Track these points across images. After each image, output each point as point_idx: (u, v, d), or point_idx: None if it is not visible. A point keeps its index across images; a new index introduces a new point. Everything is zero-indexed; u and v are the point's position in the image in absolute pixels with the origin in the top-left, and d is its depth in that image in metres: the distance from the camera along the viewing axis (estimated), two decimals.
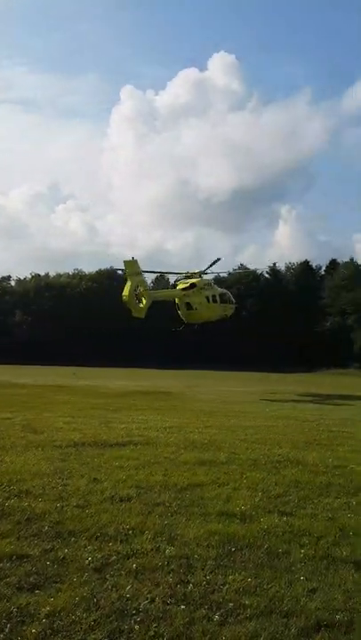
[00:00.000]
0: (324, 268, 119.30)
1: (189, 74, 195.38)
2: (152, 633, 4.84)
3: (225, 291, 44.19)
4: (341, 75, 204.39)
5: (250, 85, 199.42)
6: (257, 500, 8.95)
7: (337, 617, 5.24)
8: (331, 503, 8.93)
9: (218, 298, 41.29)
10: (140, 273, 35.76)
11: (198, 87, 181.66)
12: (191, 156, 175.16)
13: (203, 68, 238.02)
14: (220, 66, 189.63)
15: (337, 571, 6.29)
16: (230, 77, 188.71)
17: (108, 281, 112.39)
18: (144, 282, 36.86)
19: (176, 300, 39.59)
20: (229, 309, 43.55)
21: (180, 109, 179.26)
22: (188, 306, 39.25)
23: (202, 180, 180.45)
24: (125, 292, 34.27)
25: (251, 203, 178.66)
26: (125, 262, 35.49)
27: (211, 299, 40.43)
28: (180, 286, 40.46)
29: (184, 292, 39.30)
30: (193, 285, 39.55)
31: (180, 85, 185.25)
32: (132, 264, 35.36)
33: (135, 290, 34.31)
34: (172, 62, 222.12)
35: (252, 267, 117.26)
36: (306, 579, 6.03)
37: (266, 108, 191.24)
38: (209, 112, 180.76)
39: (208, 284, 41.44)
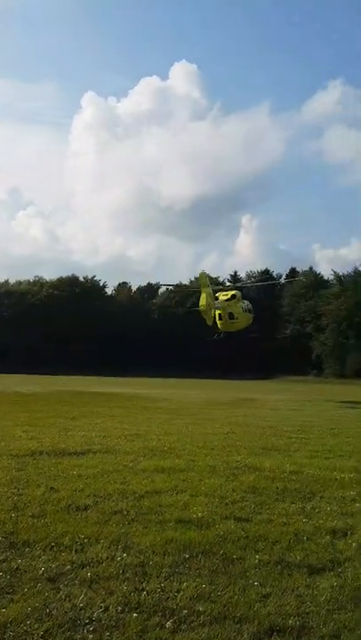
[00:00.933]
0: (284, 277, 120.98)
1: (151, 82, 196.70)
2: None
3: (248, 302, 47.18)
4: (300, 87, 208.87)
5: (211, 95, 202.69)
6: (214, 506, 9.00)
7: (289, 622, 5.28)
8: (286, 508, 9.03)
9: (246, 308, 45.16)
10: (209, 285, 39.94)
11: (160, 95, 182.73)
12: (153, 163, 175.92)
13: (164, 76, 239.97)
14: (182, 75, 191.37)
15: (291, 575, 6.36)
16: (192, 86, 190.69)
17: (70, 288, 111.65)
18: (212, 293, 40.13)
19: (219, 311, 42.08)
20: (251, 318, 46.61)
21: (141, 117, 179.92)
22: (231, 315, 42.82)
23: (164, 187, 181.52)
24: (203, 302, 38.09)
25: (212, 211, 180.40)
26: (201, 274, 40.95)
27: (244, 309, 44.49)
28: (223, 297, 43.87)
29: (228, 303, 43.14)
30: (233, 297, 43.94)
31: (142, 93, 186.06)
32: (204, 276, 40.42)
33: (209, 301, 38.19)
34: (133, 70, 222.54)
35: (213, 275, 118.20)
36: (260, 584, 6.08)
37: (226, 118, 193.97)
38: (170, 121, 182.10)
39: (241, 295, 45.47)
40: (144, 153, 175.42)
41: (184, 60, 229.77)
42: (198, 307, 39.00)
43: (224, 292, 45.14)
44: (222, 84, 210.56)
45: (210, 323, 39.27)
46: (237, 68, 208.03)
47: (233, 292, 44.58)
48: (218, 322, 42.65)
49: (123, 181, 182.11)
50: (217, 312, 41.51)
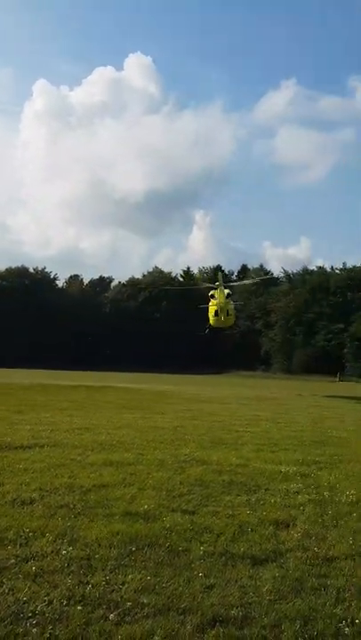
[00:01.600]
0: (235, 273, 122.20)
1: (105, 72, 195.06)
2: (47, 635, 4.79)
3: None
4: (254, 86, 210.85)
5: (165, 89, 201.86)
6: (161, 499, 9.05)
7: (232, 612, 5.37)
8: (232, 500, 9.17)
9: (234, 306, 50.43)
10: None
11: (114, 87, 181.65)
12: (107, 155, 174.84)
13: (119, 67, 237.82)
14: (137, 67, 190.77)
15: (234, 567, 6.47)
16: (147, 79, 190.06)
17: (19, 279, 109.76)
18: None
19: (217, 307, 46.59)
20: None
21: (95, 108, 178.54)
22: (227, 312, 46.81)
23: (117, 180, 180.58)
24: (222, 299, 44.08)
25: (165, 206, 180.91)
26: (217, 274, 47.79)
27: (233, 306, 49.44)
28: (222, 295, 46.63)
29: (227, 301, 46.78)
30: (229, 295, 47.57)
31: (96, 83, 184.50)
32: (221, 276, 46.29)
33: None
34: (87, 59, 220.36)
35: (166, 270, 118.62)
36: (204, 575, 6.16)
37: (181, 113, 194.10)
38: (125, 113, 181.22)
39: None
40: (98, 144, 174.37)
41: (139, 52, 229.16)
42: (209, 304, 46.57)
43: (222, 291, 46.67)
44: (177, 78, 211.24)
45: (220, 319, 45.72)
46: (192, 64, 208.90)
47: (228, 291, 47.18)
48: (213, 318, 47.12)
49: (75, 172, 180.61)
50: (214, 308, 46.54)
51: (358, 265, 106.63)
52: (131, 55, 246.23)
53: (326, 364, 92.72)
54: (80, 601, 5.43)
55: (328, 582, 6.13)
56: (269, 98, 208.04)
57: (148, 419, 20.31)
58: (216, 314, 46.22)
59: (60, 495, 9.07)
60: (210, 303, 47.54)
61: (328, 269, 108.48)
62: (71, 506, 8.48)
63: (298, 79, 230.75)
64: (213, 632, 5.01)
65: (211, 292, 47.58)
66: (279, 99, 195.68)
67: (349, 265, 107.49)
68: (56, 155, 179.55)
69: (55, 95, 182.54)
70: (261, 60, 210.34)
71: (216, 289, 46.35)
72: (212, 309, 46.57)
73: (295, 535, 7.58)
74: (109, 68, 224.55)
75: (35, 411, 21.51)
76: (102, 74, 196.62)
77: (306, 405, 31.68)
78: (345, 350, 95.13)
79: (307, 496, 9.68)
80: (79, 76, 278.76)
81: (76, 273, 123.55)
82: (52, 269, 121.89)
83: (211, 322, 47.63)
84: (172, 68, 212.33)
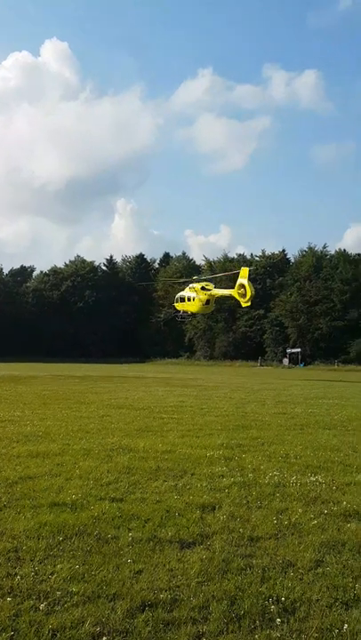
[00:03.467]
0: (158, 261, 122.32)
1: (21, 57, 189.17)
2: None
3: None
4: (172, 74, 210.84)
5: (83, 76, 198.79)
6: (89, 488, 9.07)
7: (161, 596, 5.47)
8: (159, 486, 9.31)
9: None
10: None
11: (31, 72, 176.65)
12: (24, 142, 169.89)
13: (35, 53, 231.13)
14: (53, 53, 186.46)
15: (162, 551, 6.59)
16: (63, 66, 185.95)
17: None
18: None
19: (207, 296, 56.81)
20: None
21: (11, 93, 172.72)
22: (209, 302, 57.13)
23: (36, 167, 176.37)
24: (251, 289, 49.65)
25: (86, 194, 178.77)
26: (244, 269, 50.95)
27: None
28: (210, 287, 58.26)
29: (216, 291, 57.52)
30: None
31: (11, 68, 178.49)
32: (247, 271, 51.29)
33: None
34: (2, 43, 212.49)
35: (89, 258, 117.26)
36: (133, 561, 6.25)
37: (99, 100, 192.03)
38: (42, 99, 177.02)
39: None
40: (14, 130, 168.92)
41: (55, 38, 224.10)
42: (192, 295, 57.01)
43: (206, 282, 59.59)
44: (95, 65, 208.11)
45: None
46: (109, 51, 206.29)
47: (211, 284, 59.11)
48: (199, 305, 57.25)
49: None
50: (205, 297, 56.37)
51: (277, 252, 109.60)
52: (47, 41, 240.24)
53: (248, 350, 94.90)
54: (9, 592, 5.39)
55: (253, 562, 6.34)
56: (187, 86, 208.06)
57: (73, 409, 20.15)
58: (207, 302, 56.91)
59: None
60: (195, 293, 57.36)
61: (248, 257, 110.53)
62: None
63: (214, 68, 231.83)
64: (143, 616, 5.10)
65: (193, 285, 58.70)
66: (196, 87, 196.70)
67: (268, 252, 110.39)
68: None
69: None
70: (178, 48, 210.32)
71: (199, 282, 58.90)
72: (204, 299, 56.48)
73: (221, 518, 7.79)
74: (24, 53, 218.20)
75: None
76: (17, 58, 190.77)
77: (228, 391, 32.36)
78: (265, 336, 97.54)
79: (232, 479, 9.95)
80: None
81: None
82: None
83: (196, 309, 58.21)
84: (89, 54, 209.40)
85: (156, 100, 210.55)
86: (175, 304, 61.66)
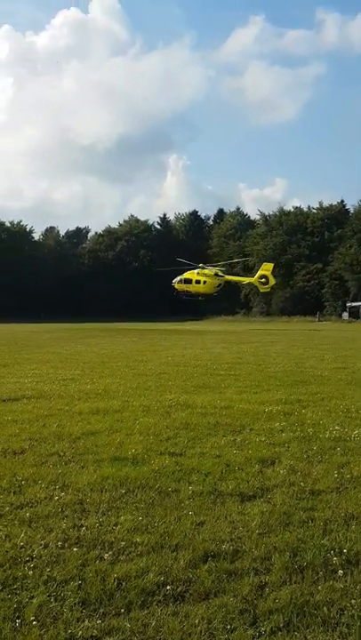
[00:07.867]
0: (212, 218, 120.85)
1: (70, 15, 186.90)
2: (45, 577, 4.93)
3: None
4: (222, 23, 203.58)
5: (133, 31, 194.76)
6: (149, 443, 9.22)
7: (223, 547, 5.54)
8: (218, 442, 9.37)
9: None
10: None
11: (80, 29, 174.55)
12: (73, 101, 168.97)
13: (84, 9, 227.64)
14: (102, 8, 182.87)
15: (223, 504, 6.66)
16: (112, 21, 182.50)
17: None
18: None
19: (217, 279, 69.40)
20: None
21: (60, 51, 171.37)
22: (222, 286, 69.83)
23: (85, 127, 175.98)
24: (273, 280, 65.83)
25: (137, 152, 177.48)
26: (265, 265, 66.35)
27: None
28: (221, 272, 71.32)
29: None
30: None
31: (61, 26, 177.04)
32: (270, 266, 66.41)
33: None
34: (50, 2, 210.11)
35: (142, 217, 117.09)
36: (194, 513, 6.34)
37: (148, 54, 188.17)
38: (91, 56, 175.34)
39: None
40: (64, 89, 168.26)
41: None
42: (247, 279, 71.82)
43: (218, 269, 71.43)
44: (143, 19, 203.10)
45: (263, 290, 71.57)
46: (157, 2, 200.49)
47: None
48: (212, 287, 68.73)
49: (41, 120, 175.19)
50: (219, 281, 68.91)
51: (335, 203, 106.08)
52: None
53: (306, 306, 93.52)
54: (75, 543, 5.57)
55: (315, 515, 6.33)
56: (238, 35, 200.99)
57: (131, 367, 20.45)
58: (218, 286, 69.18)
59: (49, 444, 9.20)
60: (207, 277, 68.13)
61: (305, 209, 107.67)
62: (61, 454, 8.61)
63: (266, 15, 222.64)
64: (206, 567, 5.17)
65: (198, 270, 68.57)
66: (247, 35, 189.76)
67: (326, 204, 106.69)
68: (22, 102, 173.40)
69: (20, 41, 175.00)
70: None
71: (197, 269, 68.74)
72: (215, 283, 68.67)
73: (281, 472, 7.78)
74: (73, 10, 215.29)
75: (20, 364, 21.54)
76: (66, 16, 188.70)
77: (286, 346, 32.11)
78: (324, 290, 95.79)
79: (291, 434, 9.92)
80: (42, 20, 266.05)
81: (51, 225, 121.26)
82: (27, 222, 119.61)
83: (209, 290, 68.85)
84: (138, 8, 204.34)
85: (205, 50, 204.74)
86: (176, 285, 70.40)
